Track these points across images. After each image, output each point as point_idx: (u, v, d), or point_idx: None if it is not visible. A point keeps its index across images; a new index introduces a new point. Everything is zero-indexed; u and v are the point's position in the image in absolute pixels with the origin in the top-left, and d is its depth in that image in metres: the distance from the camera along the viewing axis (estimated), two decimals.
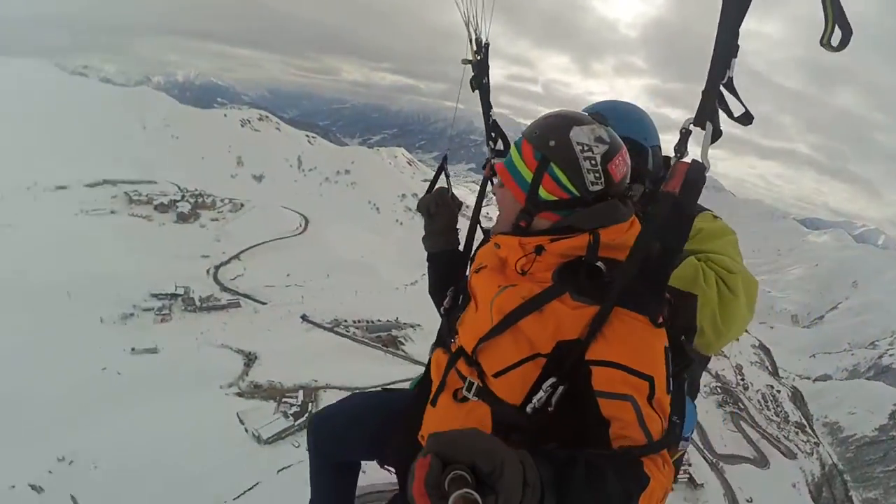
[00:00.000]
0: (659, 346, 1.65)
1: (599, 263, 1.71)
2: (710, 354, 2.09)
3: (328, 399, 61.60)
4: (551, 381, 1.69)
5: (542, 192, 1.82)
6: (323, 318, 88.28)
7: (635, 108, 2.59)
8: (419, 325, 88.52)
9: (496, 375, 1.82)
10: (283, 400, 59.90)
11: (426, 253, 2.65)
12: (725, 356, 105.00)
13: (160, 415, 48.56)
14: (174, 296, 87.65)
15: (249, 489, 43.11)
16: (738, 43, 1.67)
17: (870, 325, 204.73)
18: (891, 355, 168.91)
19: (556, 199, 1.81)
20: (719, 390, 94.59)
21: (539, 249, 1.79)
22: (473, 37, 2.59)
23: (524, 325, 1.75)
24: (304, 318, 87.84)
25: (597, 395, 1.61)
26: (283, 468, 47.46)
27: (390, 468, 2.37)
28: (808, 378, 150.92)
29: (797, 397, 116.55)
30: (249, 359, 69.91)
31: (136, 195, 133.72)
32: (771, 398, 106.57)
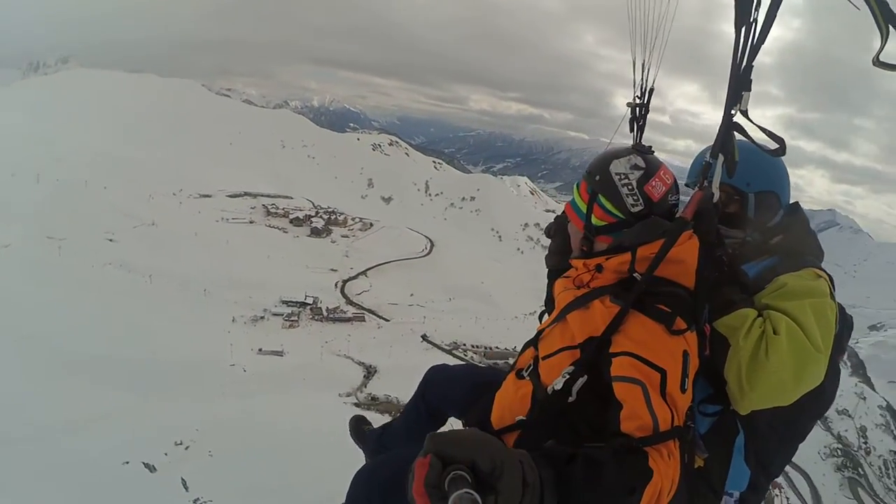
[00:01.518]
0: (675, 348, 1.77)
1: (636, 274, 1.91)
2: (740, 412, 2.03)
3: None
4: (569, 368, 1.89)
5: (594, 220, 2.08)
6: (442, 340, 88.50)
7: (751, 153, 2.32)
8: None
9: (544, 359, 2.08)
10: (399, 415, 59.16)
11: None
12: (850, 416, 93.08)
13: (280, 414, 48.02)
14: (303, 304, 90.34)
15: None
16: (751, 78, 1.95)
17: None
18: None
19: (605, 223, 2.06)
20: (839, 453, 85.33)
21: (599, 267, 2.04)
22: (640, 81, 2.71)
23: (570, 318, 2.01)
24: (424, 337, 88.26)
25: (613, 380, 1.76)
26: None
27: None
28: None
29: None
30: (369, 371, 70.62)
31: (274, 208, 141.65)
32: (893, 465, 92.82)
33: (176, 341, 61.83)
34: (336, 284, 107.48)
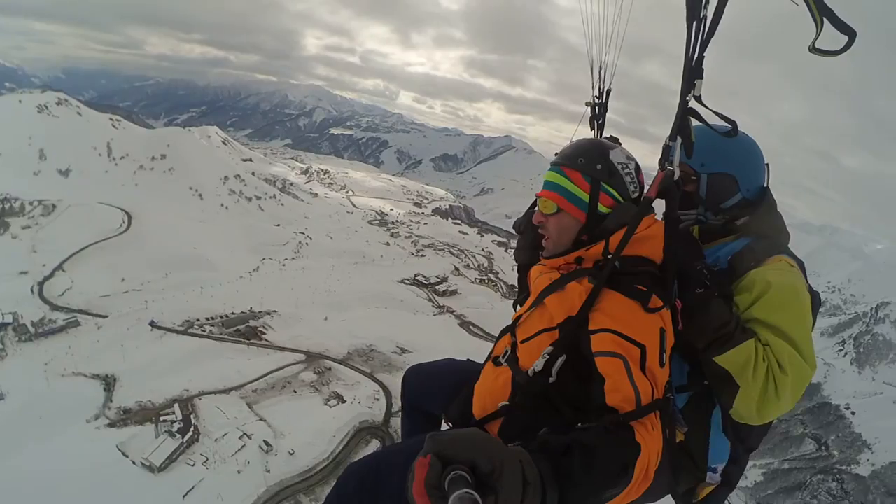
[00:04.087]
0: (651, 324, 1.88)
1: (609, 256, 2.07)
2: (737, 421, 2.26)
3: (207, 408, 61.95)
4: (549, 349, 2.01)
5: (602, 207, 2.22)
6: (174, 322, 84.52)
7: (713, 138, 2.50)
8: (275, 312, 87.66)
9: (522, 342, 2.21)
10: (161, 419, 57.58)
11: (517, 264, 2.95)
12: None
13: (32, 472, 45.08)
14: (2, 325, 78.12)
15: None
16: (703, 67, 2.07)
17: None
18: None
19: (609, 211, 2.23)
20: None
21: (579, 260, 2.21)
22: (598, 82, 2.97)
23: (548, 301, 2.14)
24: (153, 324, 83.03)
25: (594, 356, 1.88)
26: (189, 491, 46.36)
27: (450, 423, 2.63)
28: None
29: None
30: (108, 382, 65.49)
31: None
32: None
33: None
34: (32, 290, 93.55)
